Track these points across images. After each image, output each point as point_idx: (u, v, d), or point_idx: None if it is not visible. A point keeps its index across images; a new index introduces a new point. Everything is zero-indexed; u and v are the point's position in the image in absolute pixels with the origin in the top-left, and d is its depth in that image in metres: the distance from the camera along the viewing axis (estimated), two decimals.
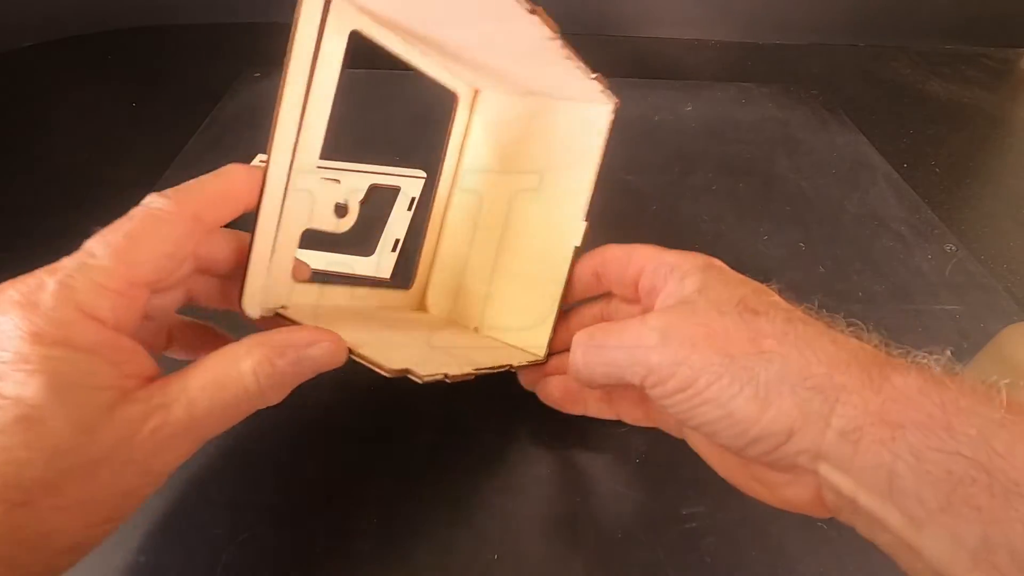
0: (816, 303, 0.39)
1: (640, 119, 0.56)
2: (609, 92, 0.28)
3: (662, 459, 0.30)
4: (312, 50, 0.22)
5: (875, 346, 0.20)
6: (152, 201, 0.21)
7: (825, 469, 0.18)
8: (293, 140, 0.22)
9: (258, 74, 0.60)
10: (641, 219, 0.45)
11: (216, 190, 0.22)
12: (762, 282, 0.39)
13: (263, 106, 0.55)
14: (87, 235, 0.20)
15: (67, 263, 0.19)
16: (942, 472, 0.16)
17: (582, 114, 0.30)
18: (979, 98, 0.65)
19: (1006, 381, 0.17)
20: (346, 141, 0.51)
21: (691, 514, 0.28)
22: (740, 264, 0.41)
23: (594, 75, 0.27)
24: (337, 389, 0.32)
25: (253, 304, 0.23)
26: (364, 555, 0.26)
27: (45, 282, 0.18)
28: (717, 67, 0.69)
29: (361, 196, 0.46)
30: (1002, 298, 0.39)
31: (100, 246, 0.19)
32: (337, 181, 0.26)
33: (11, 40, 0.65)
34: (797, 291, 0.39)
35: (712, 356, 0.19)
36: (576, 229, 0.29)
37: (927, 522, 0.16)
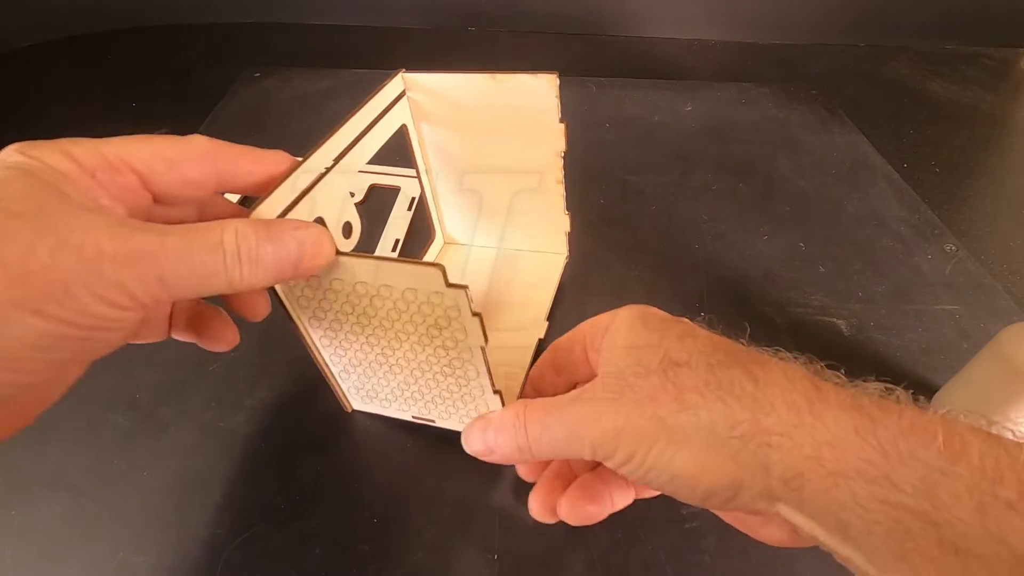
0: (815, 303, 0.39)
1: (640, 119, 0.56)
2: (567, 241, 0.38)
3: None
4: (375, 116, 0.29)
5: (801, 376, 0.19)
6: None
7: (784, 510, 0.18)
8: (344, 147, 0.27)
9: (258, 74, 0.60)
10: (641, 219, 0.45)
11: (250, 156, 0.23)
12: (761, 279, 0.39)
13: (263, 106, 0.56)
14: None
15: None
16: (891, 522, 0.16)
17: (541, 258, 0.39)
18: (979, 98, 0.65)
19: (943, 411, 0.17)
20: None
21: (691, 514, 0.28)
22: (740, 264, 0.42)
23: (568, 214, 0.36)
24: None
25: None
26: (364, 555, 0.26)
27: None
28: (717, 67, 0.69)
29: (361, 197, 0.46)
30: (1002, 298, 0.39)
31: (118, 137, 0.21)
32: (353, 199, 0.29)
33: (11, 40, 0.65)
34: (797, 291, 0.39)
35: (644, 423, 0.19)
36: (541, 327, 0.35)
37: (887, 567, 0.16)
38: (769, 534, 0.21)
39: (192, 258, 0.18)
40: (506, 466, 0.29)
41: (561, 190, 0.34)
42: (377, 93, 0.29)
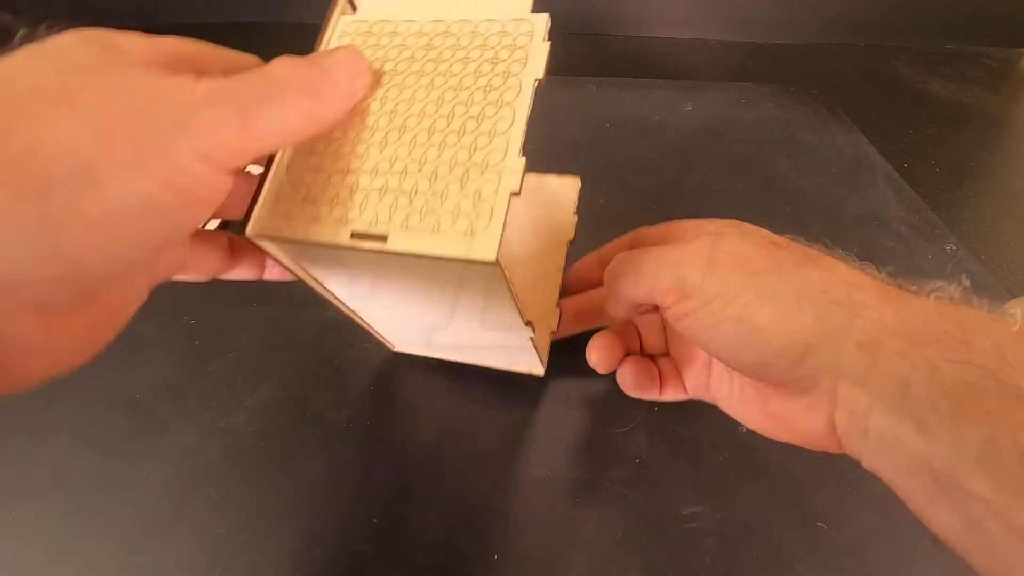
0: None
1: (640, 119, 0.56)
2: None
3: (662, 459, 0.30)
4: None
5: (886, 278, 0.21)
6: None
7: (843, 386, 0.19)
8: None
9: None
10: (641, 219, 0.45)
11: None
12: None
13: None
14: None
15: None
16: (956, 380, 0.17)
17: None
18: (979, 98, 0.65)
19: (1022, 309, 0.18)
20: None
21: (691, 514, 0.28)
22: None
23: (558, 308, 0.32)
24: (336, 389, 0.32)
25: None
26: (364, 555, 0.26)
27: None
28: (717, 67, 0.69)
29: None
30: (1002, 298, 0.39)
31: None
32: None
33: None
34: None
35: (737, 275, 0.21)
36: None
37: (937, 428, 0.17)
38: (805, 425, 0.21)
39: (260, 87, 0.17)
40: (505, 466, 0.29)
41: (559, 277, 0.33)
42: None
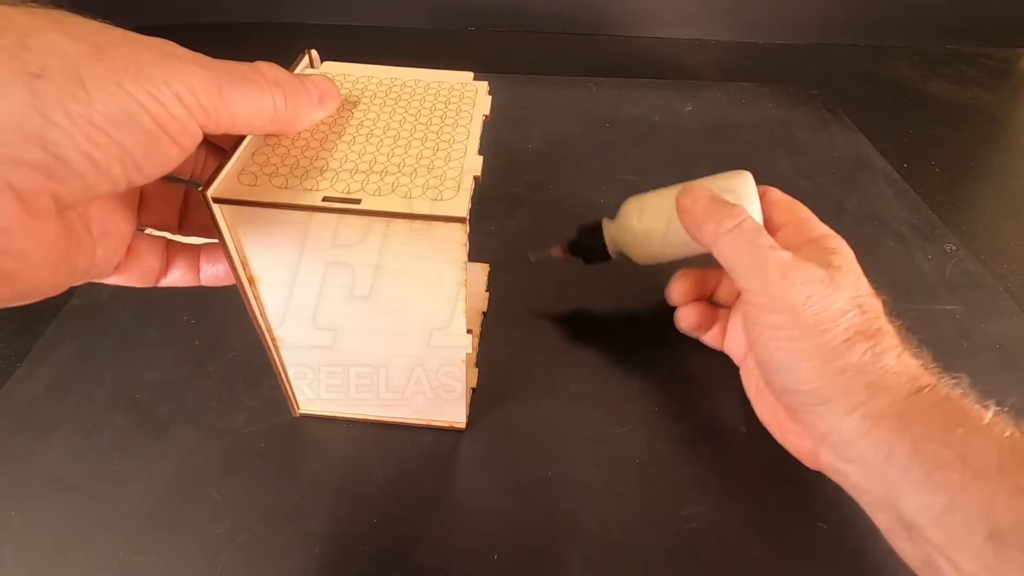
0: None
1: (640, 119, 0.56)
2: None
3: (662, 460, 0.30)
4: None
5: (924, 366, 0.25)
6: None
7: (835, 435, 0.24)
8: None
9: None
10: None
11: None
12: None
13: None
14: None
15: None
16: (928, 456, 0.22)
17: None
18: (979, 98, 0.65)
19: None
20: None
21: (691, 514, 0.28)
22: None
23: None
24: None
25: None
26: (364, 555, 0.26)
27: None
28: (717, 67, 0.69)
29: None
30: (1002, 298, 0.39)
31: None
32: None
33: None
34: None
35: (810, 329, 0.24)
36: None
37: (908, 489, 0.22)
38: (797, 444, 0.28)
39: (242, 70, 0.19)
40: (505, 466, 0.29)
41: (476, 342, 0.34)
42: None
